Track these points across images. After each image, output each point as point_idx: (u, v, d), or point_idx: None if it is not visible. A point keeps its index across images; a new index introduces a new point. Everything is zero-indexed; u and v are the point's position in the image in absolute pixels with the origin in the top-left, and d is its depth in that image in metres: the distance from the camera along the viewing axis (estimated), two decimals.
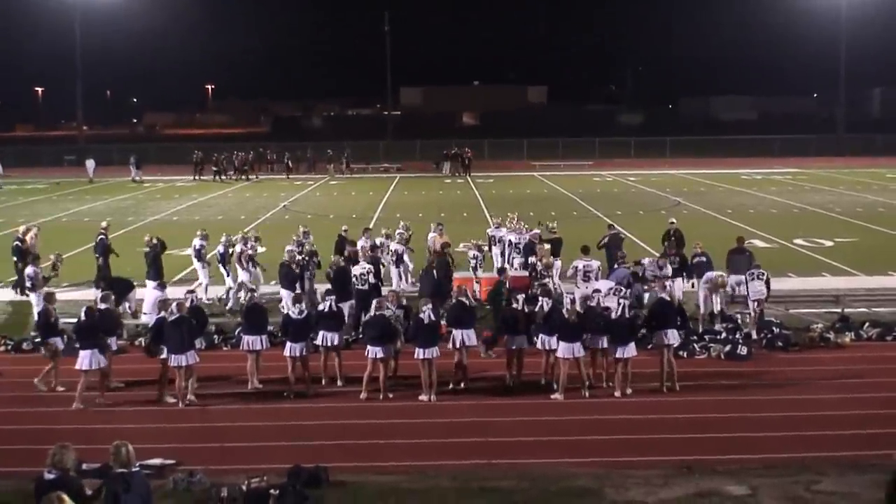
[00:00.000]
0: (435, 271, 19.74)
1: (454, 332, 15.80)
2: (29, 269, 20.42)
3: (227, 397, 15.60)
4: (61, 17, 79.50)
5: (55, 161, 71.58)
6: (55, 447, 8.79)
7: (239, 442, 13.63)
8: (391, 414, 14.71)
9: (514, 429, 14.02)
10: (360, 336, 17.58)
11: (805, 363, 17.25)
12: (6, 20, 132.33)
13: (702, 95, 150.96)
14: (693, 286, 20.19)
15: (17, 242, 23.52)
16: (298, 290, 19.18)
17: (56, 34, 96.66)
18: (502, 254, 23.46)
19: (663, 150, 73.99)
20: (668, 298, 16.31)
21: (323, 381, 16.10)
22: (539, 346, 15.86)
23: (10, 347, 18.61)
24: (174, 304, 15.44)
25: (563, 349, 15.17)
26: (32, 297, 20.05)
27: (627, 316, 15.67)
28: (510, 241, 23.08)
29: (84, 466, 11.35)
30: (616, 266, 20.26)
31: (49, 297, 16.74)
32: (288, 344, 15.71)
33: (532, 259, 21.11)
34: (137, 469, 8.98)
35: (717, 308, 19.59)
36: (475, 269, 22.12)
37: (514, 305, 16.37)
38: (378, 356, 15.29)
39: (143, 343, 17.42)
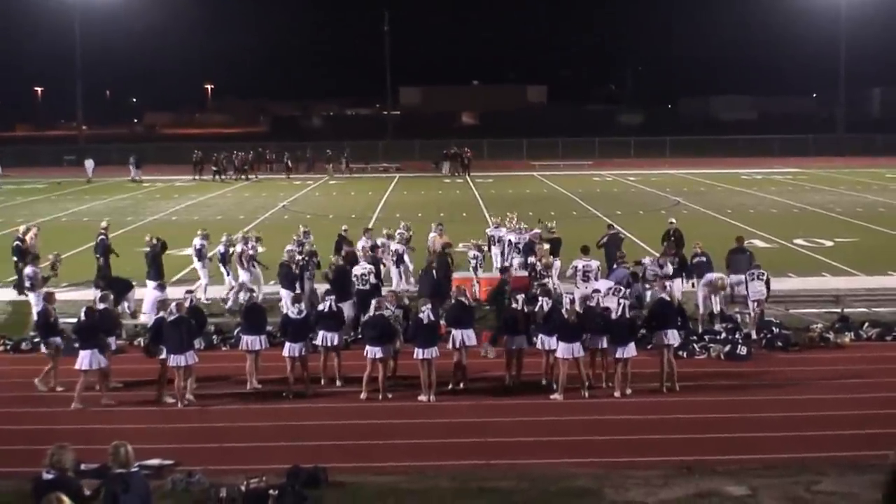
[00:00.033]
0: (434, 271, 19.72)
1: (453, 332, 15.78)
2: (28, 269, 20.40)
3: (225, 397, 15.59)
4: (61, 16, 79.58)
5: (55, 161, 71.55)
6: (53, 447, 8.77)
7: (238, 442, 13.62)
8: (390, 414, 14.69)
9: (513, 429, 14.00)
10: (359, 336, 17.56)
11: (805, 363, 17.24)
12: (6, 20, 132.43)
13: (701, 95, 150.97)
14: (693, 286, 20.16)
15: (18, 242, 23.51)
16: (298, 291, 19.18)
17: (56, 34, 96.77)
18: (502, 253, 23.44)
19: (663, 150, 74.01)
20: (669, 298, 16.29)
21: (322, 382, 16.09)
22: (539, 346, 15.84)
23: (8, 347, 18.60)
24: (173, 305, 15.44)
25: (563, 349, 15.16)
26: (31, 297, 20.04)
27: (627, 316, 15.66)
28: (510, 240, 23.06)
29: (83, 467, 11.34)
30: (615, 266, 20.25)
31: (49, 297, 16.73)
32: (287, 344, 15.70)
33: (531, 259, 21.09)
34: (136, 469, 8.96)
35: (716, 308, 19.58)
36: (475, 269, 22.10)
37: (514, 305, 16.34)
38: (377, 356, 15.28)
39: (141, 343, 17.41)
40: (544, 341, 15.64)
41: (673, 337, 15.77)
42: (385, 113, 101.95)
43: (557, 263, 22.02)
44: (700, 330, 18.79)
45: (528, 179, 57.21)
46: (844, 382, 16.03)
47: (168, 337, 15.08)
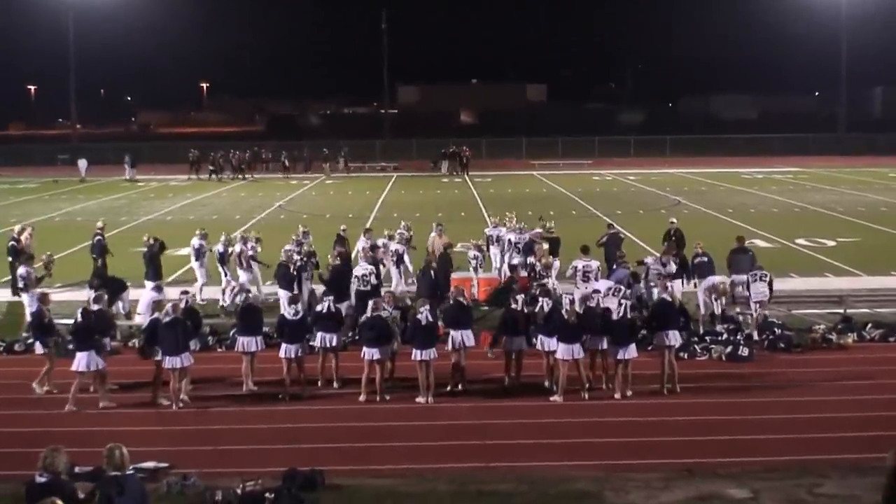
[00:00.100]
0: (433, 272, 19.70)
1: (452, 333, 15.76)
2: (21, 269, 20.37)
3: (221, 399, 15.56)
4: (55, 13, 79.45)
5: (48, 160, 71.49)
6: (46, 450, 8.75)
7: (233, 445, 13.59)
8: (388, 416, 14.67)
9: (512, 431, 13.98)
10: (357, 337, 17.52)
11: (807, 365, 17.23)
12: None
13: (702, 94, 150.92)
14: (695, 286, 20.13)
15: (13, 242, 23.48)
16: (296, 291, 19.17)
17: (50, 31, 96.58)
18: (501, 253, 23.43)
19: (663, 149, 74.05)
20: (670, 299, 16.25)
21: (319, 383, 16.07)
22: (538, 347, 15.81)
23: (2, 349, 18.55)
24: (169, 306, 15.41)
25: (563, 350, 15.13)
26: (25, 298, 19.99)
27: (629, 317, 15.63)
28: (509, 240, 23.05)
29: (76, 470, 11.30)
30: (615, 266, 20.23)
31: (43, 298, 16.68)
32: (283, 345, 15.68)
33: (531, 259, 21.07)
34: (131, 472, 8.94)
35: (717, 309, 19.56)
36: (476, 269, 22.11)
37: (514, 306, 16.30)
38: (374, 358, 15.24)
39: (136, 345, 17.37)
40: (544, 342, 15.61)
41: (674, 338, 15.75)
42: (383, 112, 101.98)
43: (556, 263, 22.01)
44: (701, 331, 18.77)
45: (528, 179, 57.21)
46: (847, 384, 16.02)
47: (163, 338, 15.05)
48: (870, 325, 19.19)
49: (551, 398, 15.27)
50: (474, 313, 17.83)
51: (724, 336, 18.33)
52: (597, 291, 17.31)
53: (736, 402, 15.17)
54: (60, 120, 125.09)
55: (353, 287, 19.49)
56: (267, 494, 11.27)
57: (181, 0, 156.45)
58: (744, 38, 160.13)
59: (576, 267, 20.07)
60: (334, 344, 16.09)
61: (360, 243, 22.00)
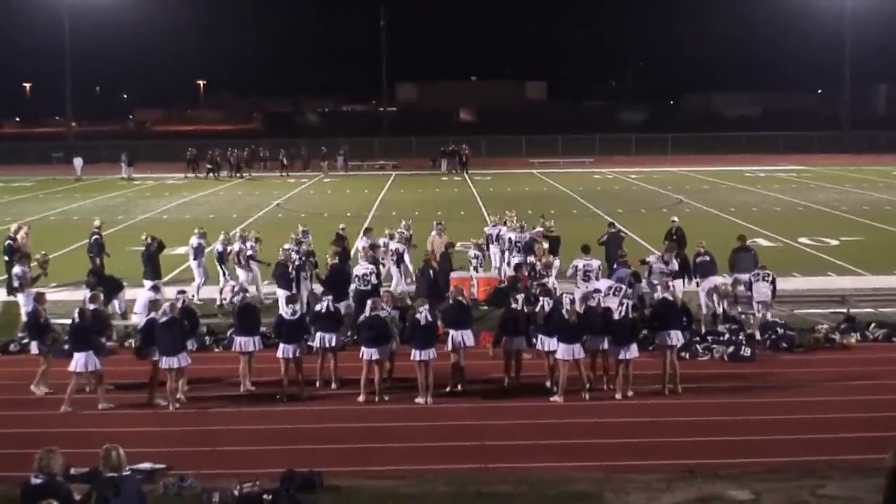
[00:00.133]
0: (431, 271, 19.72)
1: (451, 333, 15.76)
2: (17, 269, 20.35)
3: (218, 400, 15.57)
4: (50, 10, 79.36)
5: (43, 158, 71.47)
6: (41, 451, 8.75)
7: (231, 446, 13.60)
8: (386, 417, 14.68)
9: (512, 432, 13.99)
10: (355, 338, 17.52)
11: (810, 365, 17.24)
12: None
13: (704, 91, 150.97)
14: (697, 285, 20.13)
15: (9, 241, 23.48)
16: (294, 291, 19.20)
17: (45, 28, 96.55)
18: (502, 252, 23.45)
19: (665, 147, 74.02)
20: (672, 298, 16.26)
21: (317, 384, 16.08)
22: (538, 347, 15.81)
23: None
24: (166, 305, 15.41)
25: (563, 351, 15.14)
26: (20, 298, 19.99)
27: (630, 316, 15.64)
28: (510, 239, 23.07)
29: (72, 471, 11.32)
30: (616, 266, 20.24)
31: (39, 298, 16.67)
32: (281, 345, 15.68)
33: (531, 259, 21.09)
34: (129, 473, 8.95)
35: (719, 309, 19.57)
36: (476, 268, 22.13)
37: (514, 306, 16.30)
38: (373, 358, 15.25)
39: (133, 344, 17.37)
40: (544, 342, 15.61)
41: (676, 338, 15.76)
42: (381, 109, 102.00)
43: (557, 263, 22.02)
44: (703, 330, 18.78)
45: (528, 177, 57.22)
46: (850, 384, 16.03)
47: (160, 338, 15.06)
48: (873, 325, 19.20)
49: (551, 399, 15.28)
50: (474, 313, 17.85)
51: (726, 336, 18.33)
52: (597, 291, 17.32)
53: (738, 402, 15.19)
54: (57, 118, 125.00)
55: (354, 286, 19.52)
56: (265, 496, 11.28)
57: None
58: (746, 34, 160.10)
59: (576, 266, 20.07)
60: (333, 344, 16.09)
61: (361, 243, 22.01)
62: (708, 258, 20.19)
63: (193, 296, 20.99)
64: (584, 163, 65.98)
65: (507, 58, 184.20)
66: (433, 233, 23.50)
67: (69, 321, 18.08)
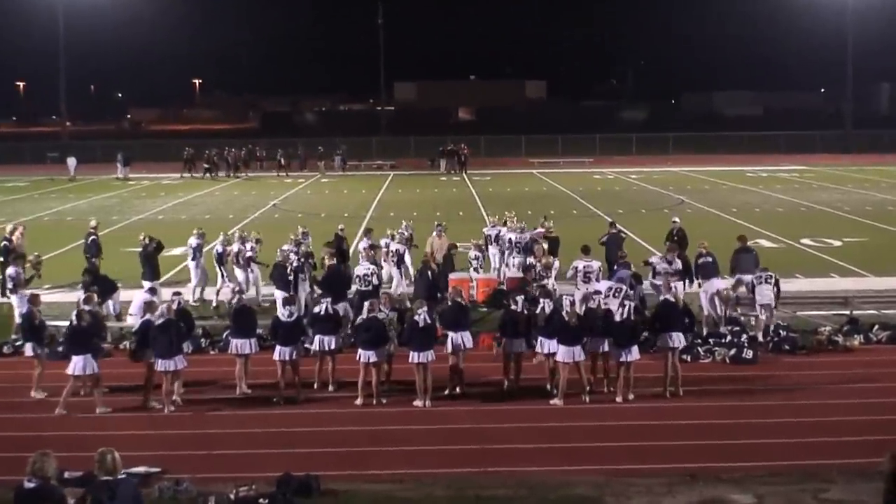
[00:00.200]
0: (430, 273, 19.71)
1: (450, 335, 15.75)
2: (10, 270, 20.32)
3: (214, 403, 15.55)
4: (44, 8, 79.30)
5: (38, 158, 71.43)
6: (35, 455, 8.72)
7: (227, 449, 13.58)
8: (384, 420, 14.66)
9: (511, 435, 13.98)
10: (352, 340, 17.50)
11: (812, 367, 17.23)
12: None
13: (705, 90, 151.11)
14: (699, 286, 20.11)
15: (5, 242, 23.44)
16: (293, 292, 19.19)
17: (39, 26, 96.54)
18: (502, 253, 23.45)
19: (666, 147, 74.02)
20: (673, 300, 16.24)
21: (315, 386, 16.06)
22: (538, 349, 15.78)
23: None
24: (163, 307, 15.38)
25: (563, 353, 15.11)
26: (14, 299, 19.95)
27: (632, 318, 15.62)
28: (510, 239, 23.06)
29: (66, 475, 11.30)
30: (616, 267, 20.22)
31: (33, 299, 16.65)
32: (277, 347, 15.66)
33: (531, 260, 21.08)
34: (124, 476, 8.93)
35: (720, 311, 19.54)
36: (476, 269, 22.14)
37: (514, 307, 16.27)
38: (371, 360, 15.22)
39: (128, 347, 17.34)
40: (544, 344, 15.59)
41: (678, 340, 15.74)
42: (379, 109, 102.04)
43: (556, 264, 21.99)
44: (705, 333, 18.76)
45: (527, 177, 57.21)
46: (853, 387, 16.03)
47: (156, 341, 15.04)
48: (876, 327, 19.19)
49: (551, 401, 15.27)
50: (473, 315, 17.84)
51: (728, 338, 18.32)
52: (598, 292, 17.30)
53: (740, 405, 15.18)
54: (54, 118, 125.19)
55: (355, 287, 19.56)
56: (261, 500, 11.28)
57: None
58: (747, 33, 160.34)
59: (576, 267, 20.02)
60: (333, 347, 16.05)
61: (362, 243, 22.00)
62: (710, 259, 20.16)
63: (189, 298, 20.96)
64: (585, 163, 65.98)
65: (506, 57, 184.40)
66: (433, 234, 23.48)
67: (63, 323, 18.12)
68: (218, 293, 21.97)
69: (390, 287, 21.79)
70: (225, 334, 18.16)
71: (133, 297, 18.95)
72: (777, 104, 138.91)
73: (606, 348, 15.63)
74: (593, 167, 63.52)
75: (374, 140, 78.06)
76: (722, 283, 19.65)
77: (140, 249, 21.97)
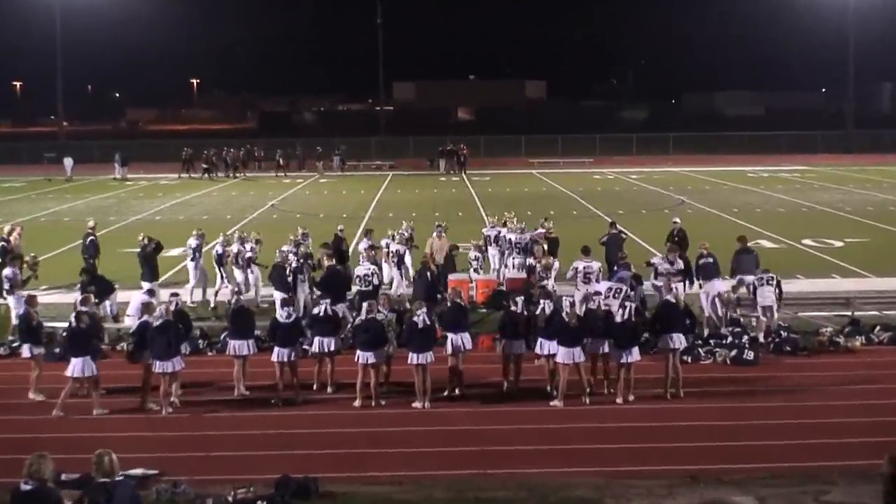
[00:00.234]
0: (429, 274, 19.72)
1: (449, 336, 15.74)
2: (7, 271, 20.29)
3: (212, 404, 15.55)
4: (42, 8, 79.25)
5: (34, 158, 71.40)
6: (32, 457, 8.71)
7: (225, 451, 13.58)
8: (383, 422, 14.66)
9: (511, 437, 13.98)
10: (351, 341, 17.48)
11: (814, 368, 17.24)
12: None
13: (705, 90, 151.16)
14: (700, 287, 20.11)
15: (3, 242, 23.43)
16: (291, 293, 19.18)
17: (36, 26, 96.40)
18: (501, 254, 23.44)
19: (666, 147, 74.01)
20: (674, 300, 16.24)
21: (314, 387, 16.06)
22: (538, 350, 15.78)
23: None
24: (161, 308, 15.37)
25: (563, 354, 15.11)
26: (10, 300, 19.93)
27: (633, 319, 15.61)
28: (510, 240, 23.05)
29: (63, 477, 11.30)
30: (616, 268, 20.22)
31: (31, 301, 16.63)
32: (276, 349, 15.65)
33: (531, 260, 21.07)
34: (122, 478, 8.92)
35: (720, 312, 19.53)
36: (476, 270, 22.14)
37: (514, 308, 16.25)
38: (369, 361, 15.22)
39: (125, 348, 17.33)
40: (544, 345, 15.59)
41: (679, 341, 15.74)
42: (378, 109, 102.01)
43: (556, 264, 21.98)
44: (705, 334, 18.76)
45: (527, 177, 57.21)
46: (855, 388, 16.04)
47: (154, 342, 15.02)
48: (878, 328, 19.20)
49: (551, 403, 15.27)
50: (472, 316, 17.83)
51: (729, 339, 18.32)
52: (598, 293, 17.30)
53: (741, 406, 15.18)
54: (52, 117, 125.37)
55: (356, 288, 19.58)
56: (259, 502, 11.28)
57: None
58: (748, 32, 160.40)
59: (576, 268, 20.01)
60: (332, 348, 16.04)
61: (362, 244, 22.01)
62: (711, 260, 20.18)
63: (186, 299, 20.95)
64: (585, 163, 65.98)
65: (506, 56, 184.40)
66: (433, 234, 23.46)
67: (61, 324, 18.12)
68: (216, 294, 21.96)
69: (390, 288, 21.78)
70: (223, 335, 18.16)
71: (131, 298, 18.97)
72: (778, 104, 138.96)
73: (607, 349, 15.64)
74: (593, 167, 63.52)
75: (373, 140, 78.03)
76: (723, 286, 19.65)
77: (139, 250, 21.94)
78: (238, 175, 58.93)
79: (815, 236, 31.44)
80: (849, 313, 20.35)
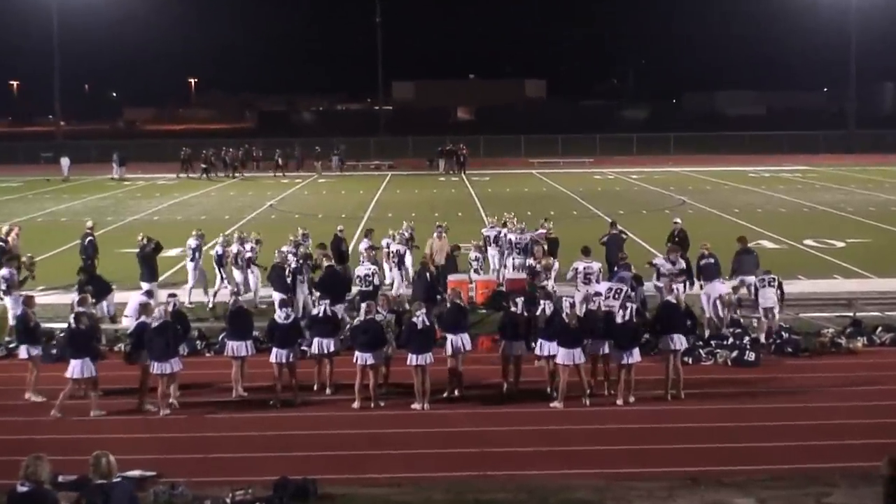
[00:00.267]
0: (428, 274, 19.74)
1: (449, 337, 15.74)
2: (3, 271, 20.29)
3: (210, 406, 15.55)
4: (39, 7, 79.26)
5: (31, 158, 71.39)
6: (28, 458, 8.71)
7: (223, 453, 13.58)
8: (382, 423, 14.66)
9: (511, 439, 13.99)
10: (350, 342, 17.48)
11: (815, 370, 17.24)
12: None
13: (706, 90, 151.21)
14: (701, 288, 20.11)
15: (1, 243, 23.44)
16: (291, 294, 19.18)
17: (33, 25, 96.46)
18: (501, 254, 23.45)
19: (667, 147, 74.05)
20: (675, 301, 16.24)
21: (315, 388, 16.06)
22: (538, 351, 15.78)
23: None
24: (160, 309, 15.37)
25: (563, 356, 15.11)
26: (7, 301, 19.93)
27: (635, 320, 15.62)
28: (510, 240, 23.06)
29: (60, 479, 11.31)
30: (616, 269, 20.23)
31: (28, 301, 16.62)
32: (274, 350, 15.65)
33: (530, 261, 21.08)
34: (119, 480, 8.92)
35: (722, 313, 19.53)
36: (476, 271, 22.14)
37: (514, 309, 16.25)
38: (368, 363, 15.22)
39: (122, 349, 17.34)
40: (544, 346, 15.59)
41: (680, 342, 15.74)
42: (377, 108, 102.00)
43: (556, 265, 21.98)
44: (706, 335, 18.76)
45: (527, 177, 57.23)
46: (857, 390, 16.04)
47: (152, 343, 15.02)
48: (880, 329, 19.21)
49: (551, 404, 15.27)
50: (472, 317, 17.83)
51: (730, 340, 18.32)
52: (598, 294, 17.31)
53: (742, 408, 15.18)
54: (51, 117, 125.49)
55: (357, 289, 19.58)
56: None
57: None
58: (750, 32, 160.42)
59: (576, 269, 20.02)
60: (332, 349, 16.03)
61: (362, 244, 22.03)
62: (712, 260, 20.19)
63: (184, 300, 20.94)
64: (585, 163, 65.99)
65: (505, 55, 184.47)
66: (434, 235, 23.46)
67: (58, 325, 18.14)
68: (215, 294, 21.96)
69: (392, 289, 21.78)
70: (221, 336, 18.16)
71: (129, 299, 18.97)
72: (779, 104, 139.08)
73: (607, 350, 15.64)
74: (593, 167, 63.54)
75: (372, 140, 78.02)
76: (723, 288, 19.63)
77: (137, 250, 21.93)
78: (237, 175, 58.94)
79: (816, 237, 31.44)
80: (850, 314, 20.36)
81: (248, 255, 21.95)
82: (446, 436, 14.19)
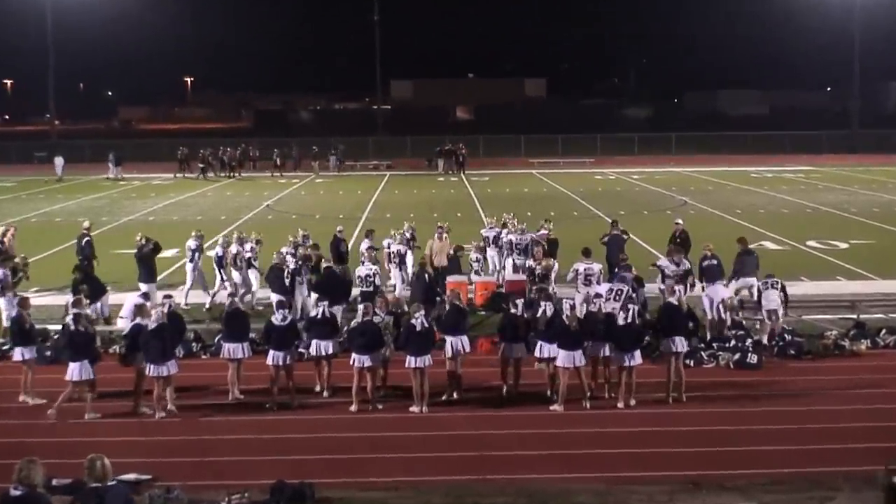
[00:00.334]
0: (427, 275, 19.75)
1: (448, 339, 15.74)
2: None
3: (206, 409, 15.54)
4: (33, 6, 79.27)
5: (24, 157, 71.38)
6: (22, 462, 8.72)
7: (219, 456, 13.58)
8: (380, 426, 14.66)
9: (510, 442, 13.99)
10: (347, 344, 17.48)
11: (818, 372, 17.26)
12: None
13: (708, 89, 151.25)
14: (703, 289, 20.12)
15: None
16: (290, 296, 19.18)
17: (27, 23, 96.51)
18: (501, 255, 23.45)
19: (668, 147, 74.06)
20: (677, 303, 16.24)
21: (316, 389, 16.06)
22: (537, 353, 15.77)
23: None
24: (157, 311, 15.36)
25: (563, 358, 15.11)
26: (2, 302, 19.89)
27: (637, 322, 15.62)
28: (511, 241, 23.07)
29: (54, 482, 11.31)
30: (617, 270, 20.22)
31: (23, 303, 16.61)
32: (271, 352, 15.64)
33: (530, 262, 21.09)
34: (114, 483, 8.92)
35: (723, 316, 19.52)
36: (477, 272, 22.15)
37: (513, 311, 16.25)
38: (365, 365, 15.22)
39: (118, 351, 17.34)
40: (544, 348, 15.59)
41: (681, 344, 15.74)
42: (375, 107, 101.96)
43: (556, 266, 21.98)
44: (708, 337, 18.77)
45: (527, 177, 57.24)
46: (860, 392, 16.06)
47: (149, 345, 15.01)
48: (884, 331, 19.21)
49: (551, 407, 15.27)
50: (471, 319, 17.83)
51: (732, 342, 18.32)
52: (598, 295, 17.31)
53: (744, 411, 15.19)
54: (47, 116, 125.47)
55: (358, 290, 19.59)
56: None
57: None
58: (753, 31, 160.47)
59: (577, 270, 20.01)
60: (330, 351, 16.03)
61: (363, 244, 22.05)
62: (715, 262, 20.18)
63: (180, 301, 20.94)
64: (585, 163, 66.00)
65: (505, 54, 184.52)
66: (434, 236, 23.46)
67: (52, 327, 18.13)
68: (214, 295, 21.96)
69: (394, 290, 21.77)
70: (217, 338, 18.15)
71: (124, 300, 18.96)
72: (782, 103, 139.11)
73: (608, 352, 15.64)
74: (594, 167, 63.55)
75: (371, 140, 78.04)
76: (725, 292, 19.63)
77: (135, 251, 21.92)
78: (234, 175, 58.94)
79: (819, 238, 31.46)
80: (854, 316, 20.37)
81: (248, 255, 21.95)
82: (445, 439, 14.20)
